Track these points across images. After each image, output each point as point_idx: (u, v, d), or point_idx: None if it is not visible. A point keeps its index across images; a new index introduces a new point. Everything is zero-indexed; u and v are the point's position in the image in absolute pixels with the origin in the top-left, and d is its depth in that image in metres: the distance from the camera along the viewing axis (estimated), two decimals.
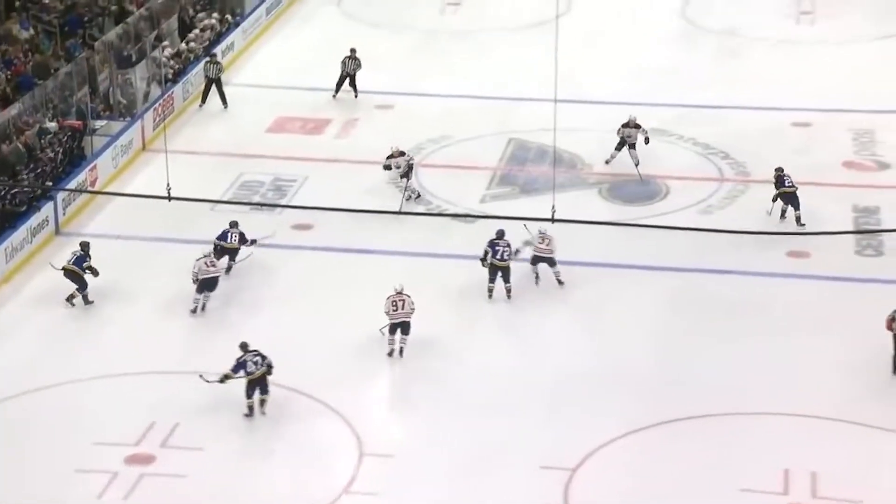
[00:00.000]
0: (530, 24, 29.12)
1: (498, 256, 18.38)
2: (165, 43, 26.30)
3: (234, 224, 19.54)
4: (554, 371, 16.70)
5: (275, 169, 22.52)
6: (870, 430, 15.45)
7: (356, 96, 25.96)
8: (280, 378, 16.30)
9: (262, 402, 15.90)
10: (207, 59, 25.97)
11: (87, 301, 18.50)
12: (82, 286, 18.49)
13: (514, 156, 23.17)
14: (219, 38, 27.84)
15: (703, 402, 15.92)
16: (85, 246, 18.83)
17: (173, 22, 27.54)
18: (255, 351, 15.94)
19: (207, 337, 17.62)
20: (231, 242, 19.33)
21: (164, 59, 25.57)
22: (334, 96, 25.91)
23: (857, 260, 19.37)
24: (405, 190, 21.28)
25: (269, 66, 27.97)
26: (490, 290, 18.53)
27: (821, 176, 21.97)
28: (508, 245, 18.48)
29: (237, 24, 28.83)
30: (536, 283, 18.87)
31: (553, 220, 15.20)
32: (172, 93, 25.14)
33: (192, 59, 26.58)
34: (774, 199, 20.49)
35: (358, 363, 16.99)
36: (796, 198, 20.43)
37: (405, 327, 17.11)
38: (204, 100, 25.78)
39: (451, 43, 29.36)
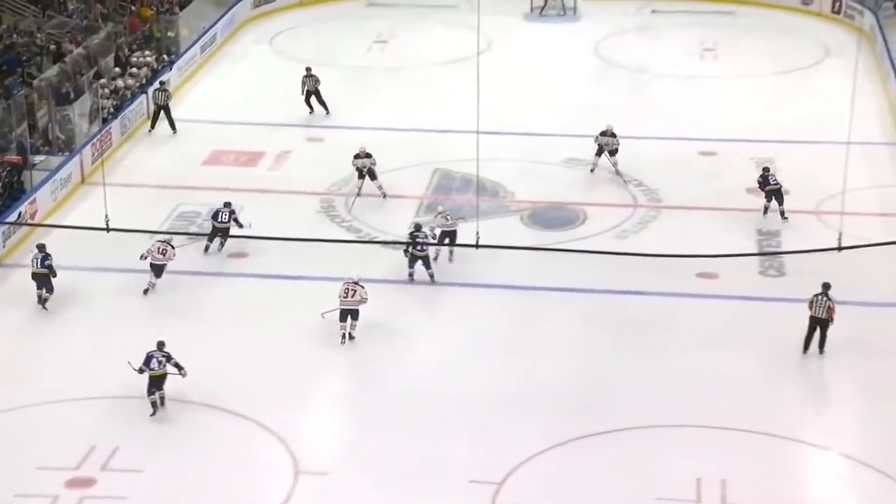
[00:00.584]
0: (453, 61, 29.29)
1: (418, 248, 19.24)
2: (102, 80, 26.01)
3: (227, 204, 20.39)
4: (481, 389, 16.74)
5: (211, 200, 22.24)
6: (775, 439, 15.70)
7: (327, 112, 26.70)
8: (217, 399, 16.20)
9: (161, 399, 16.21)
10: (157, 86, 26.10)
11: (43, 303, 18.54)
12: (49, 288, 18.63)
13: (440, 185, 23.25)
14: (155, 75, 27.62)
15: (621, 417, 16.06)
16: (42, 247, 18.91)
17: (110, 60, 27.26)
18: (165, 352, 16.24)
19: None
20: (222, 221, 20.21)
21: (101, 96, 25.27)
22: (310, 112, 26.68)
23: (762, 280, 19.66)
24: (359, 191, 22.35)
25: (204, 102, 27.77)
26: (410, 275, 19.40)
27: (726, 201, 22.33)
28: (426, 236, 19.52)
29: (172, 63, 28.59)
30: (435, 257, 19.88)
31: (477, 245, 15.27)
32: (110, 128, 24.87)
33: (128, 95, 26.35)
34: (767, 197, 21.51)
35: (292, 384, 16.86)
36: (781, 194, 21.48)
37: (354, 314, 17.70)
38: (153, 125, 25.90)
39: (378, 78, 29.42)
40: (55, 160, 23.29)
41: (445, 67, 29.29)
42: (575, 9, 34.56)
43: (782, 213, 21.45)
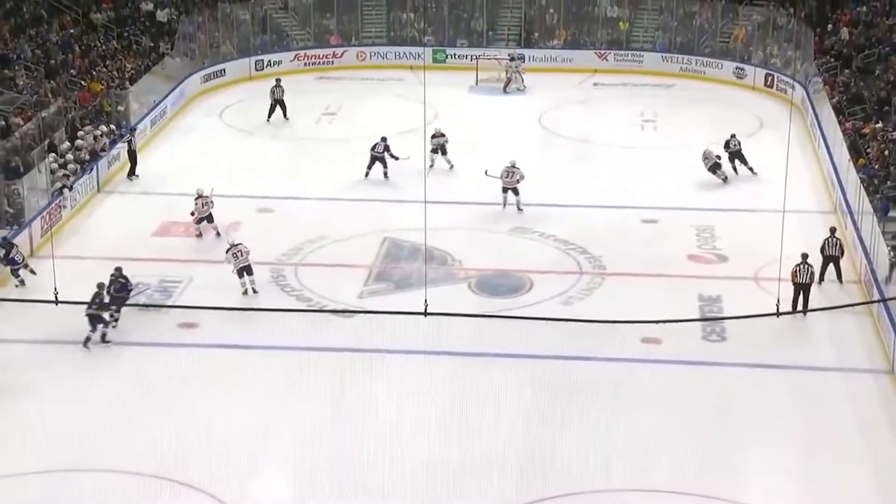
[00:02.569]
0: (401, 132, 29.28)
1: (92, 308, 19.31)
2: (52, 155, 25.84)
3: (383, 138, 25.95)
4: (429, 455, 16.67)
5: (160, 271, 22.18)
6: (719, 502, 15.76)
7: (286, 118, 31.17)
8: (167, 471, 16.00)
9: None
10: (129, 133, 27.80)
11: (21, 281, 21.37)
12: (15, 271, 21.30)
13: (389, 254, 23.31)
14: (105, 149, 27.54)
15: (568, 482, 16.04)
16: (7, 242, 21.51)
17: (61, 134, 27.11)
18: None
19: (97, 434, 17.12)
20: (377, 151, 25.61)
21: (51, 170, 25.12)
22: (268, 121, 31.14)
23: (704, 345, 19.81)
24: (432, 162, 26.53)
25: (155, 175, 27.64)
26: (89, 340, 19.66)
27: (668, 268, 22.57)
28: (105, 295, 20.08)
29: (122, 136, 28.43)
30: (503, 208, 24.79)
31: (426, 313, 15.29)
32: (60, 201, 24.71)
33: (78, 169, 26.17)
34: (731, 160, 26.79)
35: (241, 454, 16.69)
36: (743, 155, 26.55)
37: (249, 269, 21.05)
38: (133, 171, 27.34)
39: (327, 149, 29.51)
40: (2, 233, 23.00)
41: (393, 138, 29.33)
42: (522, 82, 34.96)
43: (751, 169, 26.42)
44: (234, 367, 19.12)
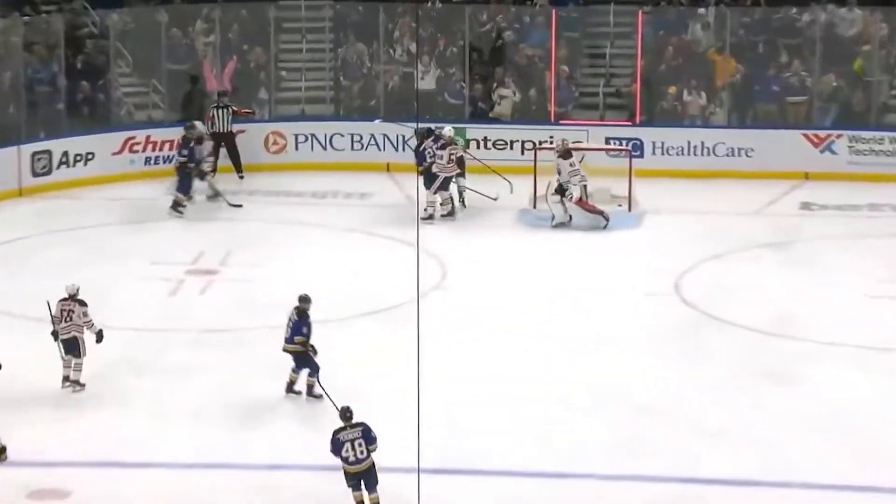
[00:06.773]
0: (365, 313, 29.90)
1: None
2: None
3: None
4: None
5: None
6: None
7: (241, 175, 38.76)
8: None
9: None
10: None
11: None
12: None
13: None
14: None
15: None
16: None
17: None
18: None
19: None
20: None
21: None
22: (205, 177, 37.35)
23: None
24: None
25: None
26: None
27: None
28: None
29: None
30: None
31: None
32: None
33: None
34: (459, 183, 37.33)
35: None
36: (463, 162, 37.22)
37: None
38: None
39: (198, 354, 29.04)
40: None
41: (349, 327, 29.63)
42: (630, 201, 36.70)
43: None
44: None
